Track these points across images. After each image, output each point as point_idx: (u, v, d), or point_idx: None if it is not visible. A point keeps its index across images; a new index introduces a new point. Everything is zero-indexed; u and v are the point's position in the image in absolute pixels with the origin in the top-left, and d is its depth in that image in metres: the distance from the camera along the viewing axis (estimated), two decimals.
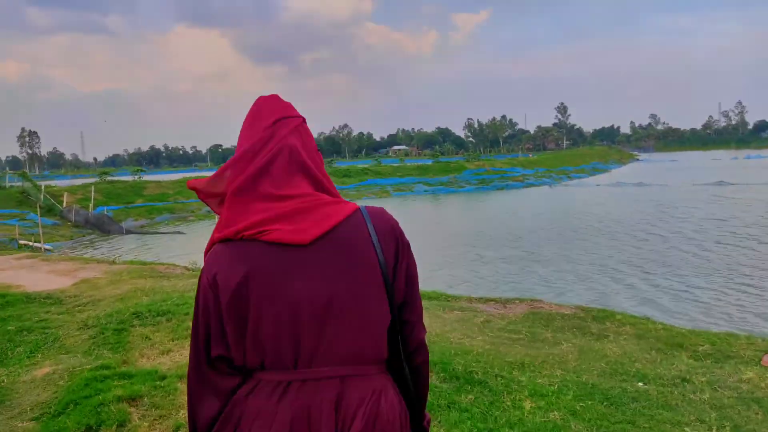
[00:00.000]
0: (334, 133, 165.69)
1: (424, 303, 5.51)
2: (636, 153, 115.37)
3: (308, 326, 1.13)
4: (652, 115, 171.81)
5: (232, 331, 1.13)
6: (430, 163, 58.08)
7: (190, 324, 4.36)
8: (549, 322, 4.51)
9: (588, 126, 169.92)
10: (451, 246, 17.33)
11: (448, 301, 5.60)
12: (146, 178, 42.82)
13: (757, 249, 14.20)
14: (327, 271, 1.14)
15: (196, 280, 6.63)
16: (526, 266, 13.93)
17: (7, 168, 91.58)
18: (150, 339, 3.97)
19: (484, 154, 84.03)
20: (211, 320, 1.14)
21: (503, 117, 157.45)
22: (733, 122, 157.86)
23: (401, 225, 1.26)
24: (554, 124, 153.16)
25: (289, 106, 1.30)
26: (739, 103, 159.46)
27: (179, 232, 25.89)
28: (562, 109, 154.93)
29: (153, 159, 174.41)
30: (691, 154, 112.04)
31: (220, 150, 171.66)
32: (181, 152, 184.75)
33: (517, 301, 5.50)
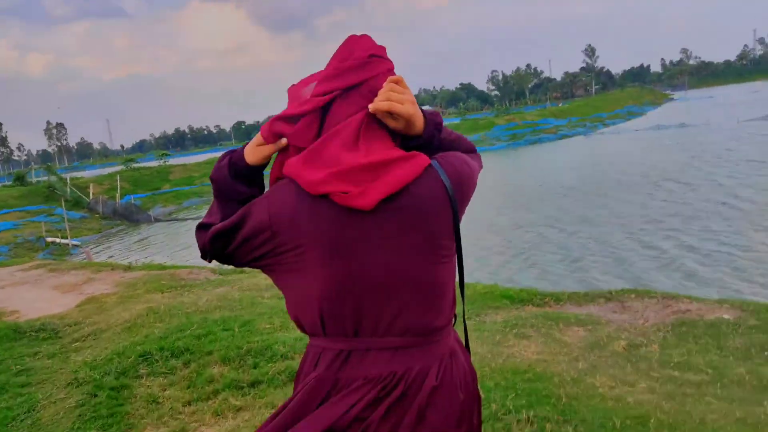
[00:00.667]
0: None
1: (490, 307, 4.40)
2: (670, 92, 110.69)
3: (372, 296, 1.10)
4: (683, 49, 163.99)
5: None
6: (457, 121, 56.24)
7: (213, 371, 3.30)
8: (718, 340, 3.23)
9: (617, 68, 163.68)
10: (497, 214, 15.97)
11: (531, 302, 4.39)
12: (172, 162, 42.49)
13: None
14: (392, 239, 1.10)
15: (222, 291, 5.82)
16: (573, 232, 12.63)
17: (32, 164, 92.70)
18: (158, 403, 2.93)
19: (512, 108, 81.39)
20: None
21: (528, 66, 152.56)
22: None
23: None
24: (582, 69, 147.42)
25: (383, 49, 1.22)
26: None
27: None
28: (590, 52, 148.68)
29: (179, 141, 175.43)
30: (728, 88, 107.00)
31: (243, 127, 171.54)
32: (205, 132, 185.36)
33: (633, 295, 4.26)
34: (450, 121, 60.59)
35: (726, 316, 3.53)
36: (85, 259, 14.73)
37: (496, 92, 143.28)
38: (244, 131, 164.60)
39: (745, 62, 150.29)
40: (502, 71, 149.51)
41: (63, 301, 5.88)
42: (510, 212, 16.24)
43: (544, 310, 4.14)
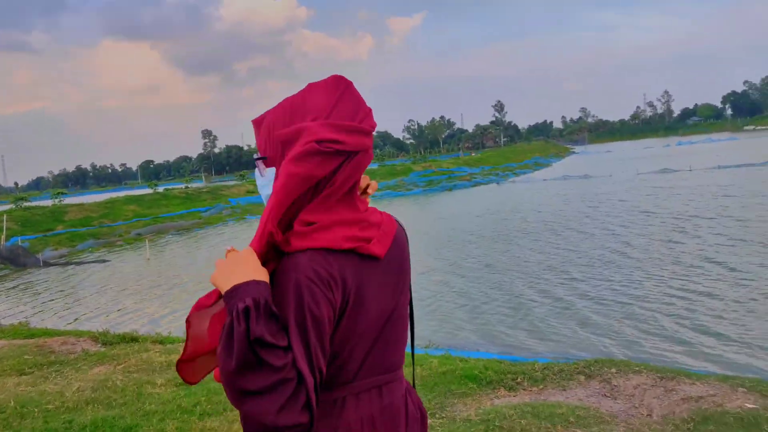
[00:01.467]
0: None
1: (454, 394, 3.58)
2: (571, 146, 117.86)
3: (374, 339, 1.15)
4: (582, 108, 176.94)
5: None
6: (375, 167, 56.31)
7: None
8: None
9: (522, 122, 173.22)
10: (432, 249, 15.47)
11: (501, 383, 3.53)
12: (68, 201, 39.18)
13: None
14: (392, 282, 1.20)
15: (101, 373, 4.42)
16: (476, 278, 12.38)
17: None
18: None
19: (425, 156, 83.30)
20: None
21: (441, 117, 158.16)
22: (660, 111, 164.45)
23: None
24: (491, 122, 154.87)
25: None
26: (666, 92, 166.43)
27: (103, 260, 22.95)
28: (499, 107, 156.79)
29: (79, 179, 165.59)
30: (623, 143, 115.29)
31: (151, 166, 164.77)
32: (109, 170, 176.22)
33: (613, 370, 3.49)
34: (369, 167, 60.35)
35: (750, 405, 2.88)
36: None
37: (412, 140, 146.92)
38: (152, 170, 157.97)
39: (637, 121, 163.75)
40: (417, 121, 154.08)
41: None
42: (417, 257, 15.76)
43: (524, 398, 3.33)
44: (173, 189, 42.91)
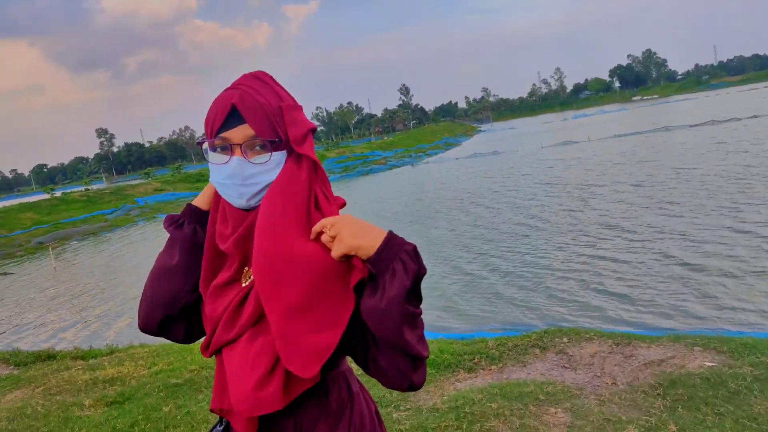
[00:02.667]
0: (175, 137, 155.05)
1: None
2: (477, 125, 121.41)
3: None
4: (483, 88, 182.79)
5: None
6: None
7: None
8: (740, 407, 2.44)
9: (429, 104, 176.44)
10: None
11: (459, 366, 3.41)
12: None
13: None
14: None
15: (17, 399, 3.60)
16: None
17: None
18: None
19: (338, 142, 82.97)
20: None
21: (349, 103, 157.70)
22: (554, 87, 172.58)
23: None
24: (399, 106, 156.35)
25: None
26: (558, 69, 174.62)
27: (6, 273, 21.08)
28: (405, 91, 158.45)
29: None
30: (525, 120, 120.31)
31: (45, 170, 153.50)
32: None
33: (565, 339, 3.45)
34: None
35: (709, 364, 2.95)
36: None
37: (322, 127, 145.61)
38: (46, 174, 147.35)
39: (534, 98, 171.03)
40: (325, 108, 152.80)
41: None
42: None
43: (486, 380, 3.24)
44: (72, 192, 40.07)
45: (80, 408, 3.41)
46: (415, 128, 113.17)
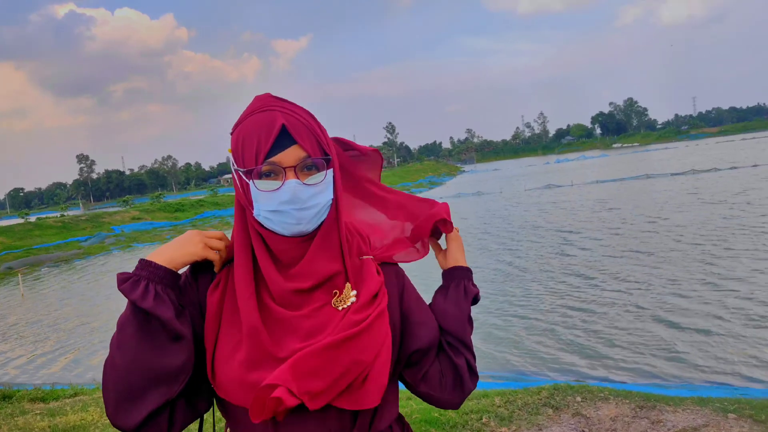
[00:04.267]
0: (157, 165, 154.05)
1: None
2: (461, 165, 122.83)
3: None
4: (468, 129, 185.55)
5: None
6: None
7: None
8: None
9: (414, 143, 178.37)
10: None
11: (466, 426, 3.08)
12: None
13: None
14: None
15: None
16: None
17: None
18: None
19: None
20: None
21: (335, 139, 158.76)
22: (537, 131, 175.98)
23: None
24: (384, 143, 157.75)
25: None
26: (541, 113, 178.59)
27: None
28: (391, 128, 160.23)
29: None
30: (508, 162, 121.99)
31: (21, 194, 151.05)
32: None
33: (578, 398, 3.13)
34: None
35: None
36: None
37: None
38: (22, 199, 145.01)
39: (518, 141, 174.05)
40: None
41: None
42: None
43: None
44: (47, 218, 39.17)
45: None
46: (400, 166, 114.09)
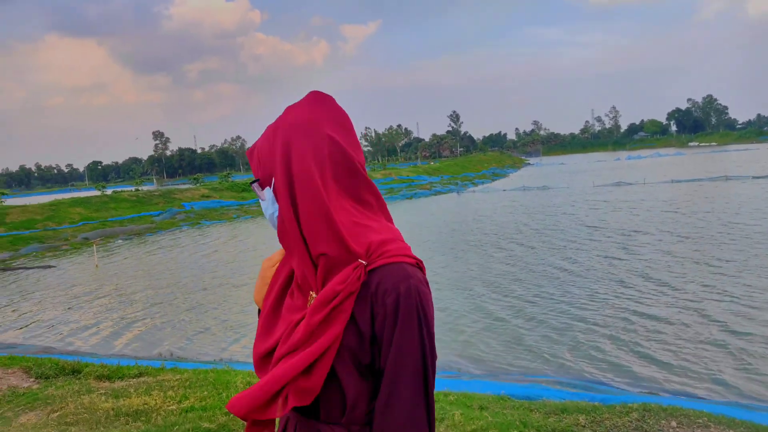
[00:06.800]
0: (227, 145, 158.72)
1: None
2: (525, 158, 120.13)
3: None
4: (534, 121, 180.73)
5: None
6: None
7: None
8: None
9: (477, 133, 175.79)
10: None
11: None
12: (10, 202, 37.09)
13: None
14: None
15: (30, 419, 2.17)
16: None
17: None
18: None
19: (385, 164, 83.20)
20: None
21: (399, 126, 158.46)
22: (608, 126, 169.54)
23: None
24: (447, 132, 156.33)
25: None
26: (613, 108, 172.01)
27: (48, 266, 21.45)
28: (455, 117, 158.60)
29: (23, 180, 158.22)
30: (575, 156, 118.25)
31: (99, 167, 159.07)
32: (55, 171, 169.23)
33: (673, 423, 2.90)
34: None
35: None
36: None
37: (369, 148, 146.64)
38: (100, 172, 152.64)
39: (587, 135, 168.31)
40: (374, 129, 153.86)
41: None
42: None
43: None
44: (123, 191, 41.04)
45: None
46: (462, 156, 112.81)
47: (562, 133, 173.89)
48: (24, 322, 12.55)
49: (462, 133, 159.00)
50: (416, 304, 1.03)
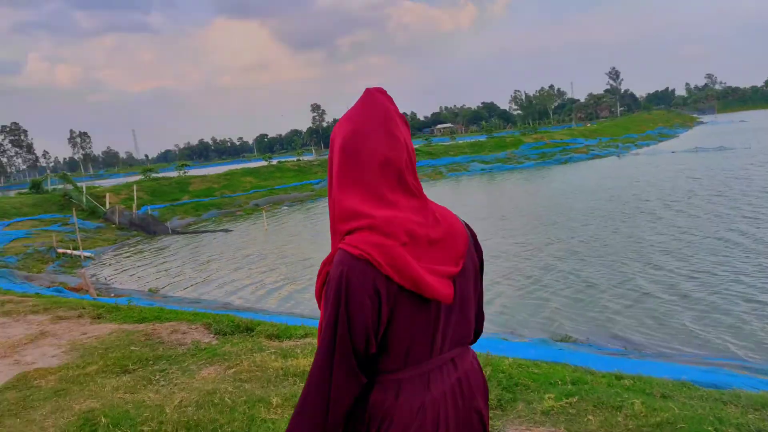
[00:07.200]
0: None
1: None
2: (698, 116, 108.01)
3: (440, 321, 1.25)
4: (708, 75, 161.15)
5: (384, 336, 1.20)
6: (483, 139, 54.29)
7: None
8: None
9: (640, 90, 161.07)
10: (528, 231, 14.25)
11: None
12: (192, 172, 41.42)
13: None
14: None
15: (209, 378, 2.68)
16: (553, 266, 11.06)
17: (48, 171, 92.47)
18: None
19: (536, 127, 79.70)
20: (367, 325, 1.17)
21: (551, 87, 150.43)
22: None
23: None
24: (606, 91, 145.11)
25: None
26: None
27: (226, 230, 23.78)
28: (614, 74, 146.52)
29: (202, 152, 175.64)
30: (758, 113, 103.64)
31: (265, 140, 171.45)
32: (228, 144, 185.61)
33: None
34: (475, 138, 58.64)
35: None
36: (90, 275, 13.22)
37: (519, 111, 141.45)
38: (266, 144, 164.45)
39: None
40: (524, 91, 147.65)
41: None
42: (510, 234, 15.52)
43: None
44: (286, 162, 43.90)
45: (267, 407, 3.12)
46: (623, 116, 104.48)
47: (741, 86, 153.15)
48: (205, 279, 14.01)
49: (622, 91, 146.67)
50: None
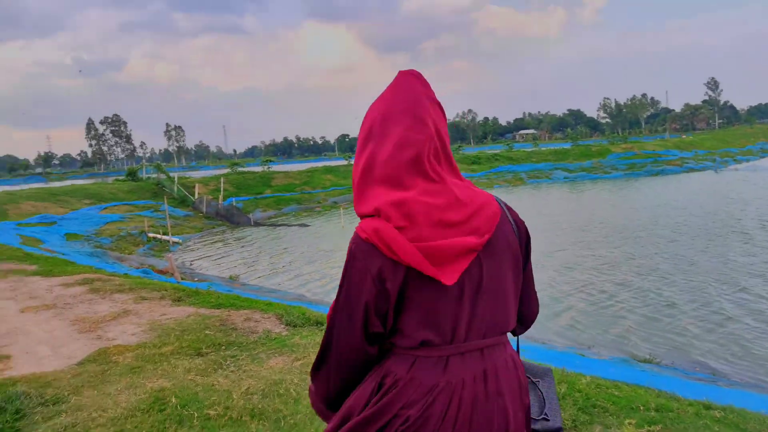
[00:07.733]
0: (459, 119, 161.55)
1: None
2: None
3: (464, 307, 1.21)
4: None
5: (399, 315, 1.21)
6: (568, 146, 52.53)
7: None
8: None
9: (741, 103, 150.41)
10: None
11: None
12: (275, 168, 42.78)
13: None
14: (483, 254, 1.24)
15: (278, 368, 2.83)
16: (628, 283, 10.33)
17: (143, 161, 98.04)
18: None
19: (626, 137, 76.25)
20: (368, 303, 1.18)
21: (643, 95, 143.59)
22: None
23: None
24: (703, 101, 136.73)
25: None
26: None
27: (304, 225, 24.45)
28: (713, 85, 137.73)
29: (286, 149, 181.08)
30: None
31: (347, 140, 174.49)
32: (311, 142, 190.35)
33: None
34: (559, 146, 56.86)
35: None
36: (175, 260, 13.94)
37: (608, 120, 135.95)
38: (347, 144, 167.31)
39: None
40: (615, 99, 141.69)
41: (69, 350, 4.29)
42: (588, 246, 14.90)
43: None
44: None
45: None
46: (722, 128, 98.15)
47: None
48: (281, 270, 14.40)
49: (721, 102, 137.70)
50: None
